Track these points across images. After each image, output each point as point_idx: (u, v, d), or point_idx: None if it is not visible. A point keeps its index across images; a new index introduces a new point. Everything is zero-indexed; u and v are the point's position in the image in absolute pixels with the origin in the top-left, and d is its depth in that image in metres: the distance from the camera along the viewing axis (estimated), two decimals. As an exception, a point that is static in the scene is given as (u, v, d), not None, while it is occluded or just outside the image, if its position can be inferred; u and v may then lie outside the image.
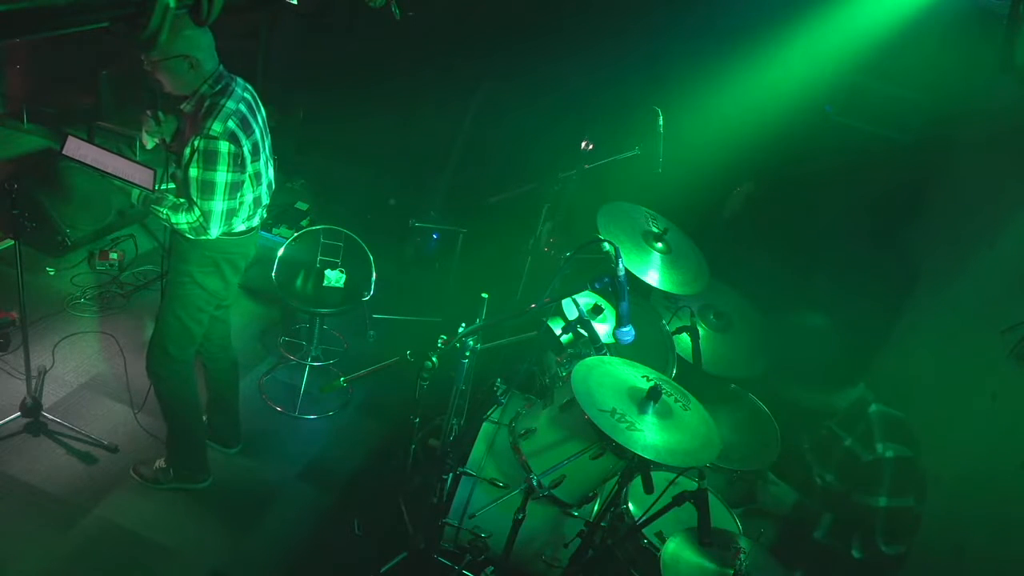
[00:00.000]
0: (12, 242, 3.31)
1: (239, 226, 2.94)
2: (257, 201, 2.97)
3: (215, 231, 2.80)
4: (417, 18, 2.82)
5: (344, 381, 2.53)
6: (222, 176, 2.72)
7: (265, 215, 3.11)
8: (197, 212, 2.74)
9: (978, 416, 2.93)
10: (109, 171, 2.78)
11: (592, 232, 2.96)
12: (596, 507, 2.84)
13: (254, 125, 2.86)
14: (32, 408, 3.35)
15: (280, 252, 3.96)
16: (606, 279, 2.39)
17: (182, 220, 2.76)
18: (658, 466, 2.54)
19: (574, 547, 2.79)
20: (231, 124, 2.70)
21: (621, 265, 2.38)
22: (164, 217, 2.78)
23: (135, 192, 2.82)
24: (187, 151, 2.70)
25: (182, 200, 2.78)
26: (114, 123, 5.36)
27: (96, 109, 5.26)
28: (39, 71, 5.25)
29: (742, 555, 2.33)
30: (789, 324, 2.82)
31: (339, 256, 4.10)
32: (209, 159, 2.68)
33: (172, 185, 2.90)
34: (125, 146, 5.00)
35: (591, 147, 3.56)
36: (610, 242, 2.41)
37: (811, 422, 2.89)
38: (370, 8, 2.71)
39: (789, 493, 2.78)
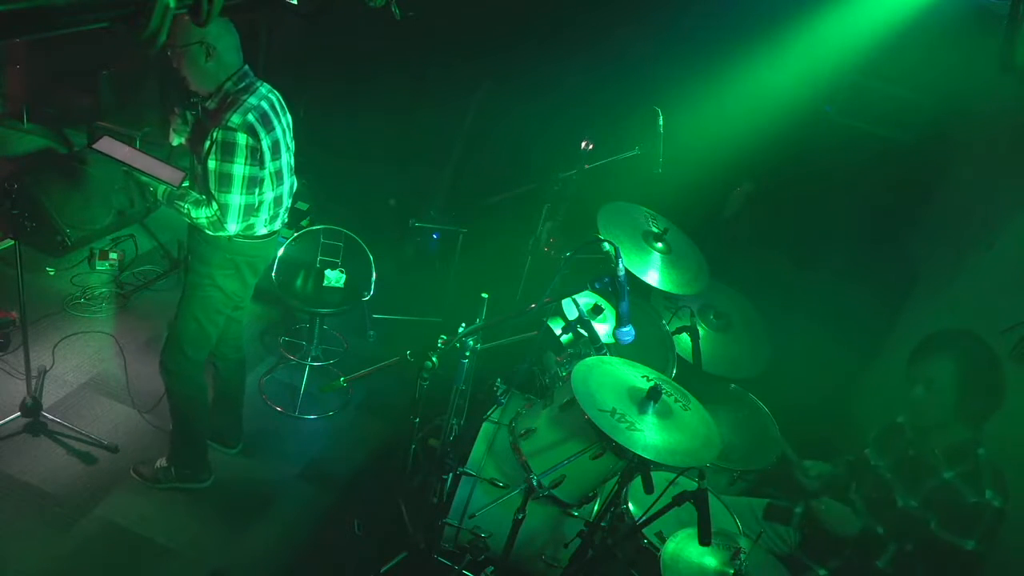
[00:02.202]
0: (12, 242, 3.30)
1: (260, 229, 2.96)
2: (278, 200, 2.99)
3: (232, 226, 2.81)
4: (418, 18, 2.81)
5: (344, 381, 2.53)
6: (239, 168, 2.73)
7: (286, 219, 3.12)
8: (215, 206, 2.76)
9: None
10: (137, 166, 2.84)
11: (592, 232, 2.97)
12: (596, 507, 2.84)
13: (276, 124, 2.87)
14: (32, 408, 3.35)
15: (280, 252, 3.95)
16: (606, 279, 2.39)
17: (201, 215, 2.79)
18: (658, 466, 2.53)
19: (574, 547, 2.79)
20: (250, 117, 2.72)
21: (621, 265, 2.38)
22: (186, 212, 2.81)
23: (160, 188, 2.84)
24: (206, 143, 2.72)
25: (203, 196, 2.81)
26: (114, 123, 5.36)
27: (96, 109, 5.26)
28: (39, 71, 5.25)
29: (742, 555, 2.34)
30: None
31: (339, 256, 4.11)
32: (227, 150, 2.70)
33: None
34: (131, 143, 5.00)
35: (591, 147, 3.56)
36: (610, 242, 2.41)
37: (886, 438, 2.80)
38: (370, 8, 2.70)
39: (854, 517, 2.71)
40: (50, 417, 3.41)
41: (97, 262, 4.49)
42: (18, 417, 3.36)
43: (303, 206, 4.85)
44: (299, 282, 3.93)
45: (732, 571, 2.31)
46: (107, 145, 2.88)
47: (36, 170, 4.49)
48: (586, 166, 3.58)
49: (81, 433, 3.42)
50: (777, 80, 4.08)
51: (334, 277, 3.94)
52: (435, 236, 5.04)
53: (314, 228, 4.21)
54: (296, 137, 3.07)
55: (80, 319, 4.13)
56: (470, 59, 4.83)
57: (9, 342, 3.75)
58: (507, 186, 4.60)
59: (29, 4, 1.39)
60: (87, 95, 5.25)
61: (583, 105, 4.51)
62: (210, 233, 2.86)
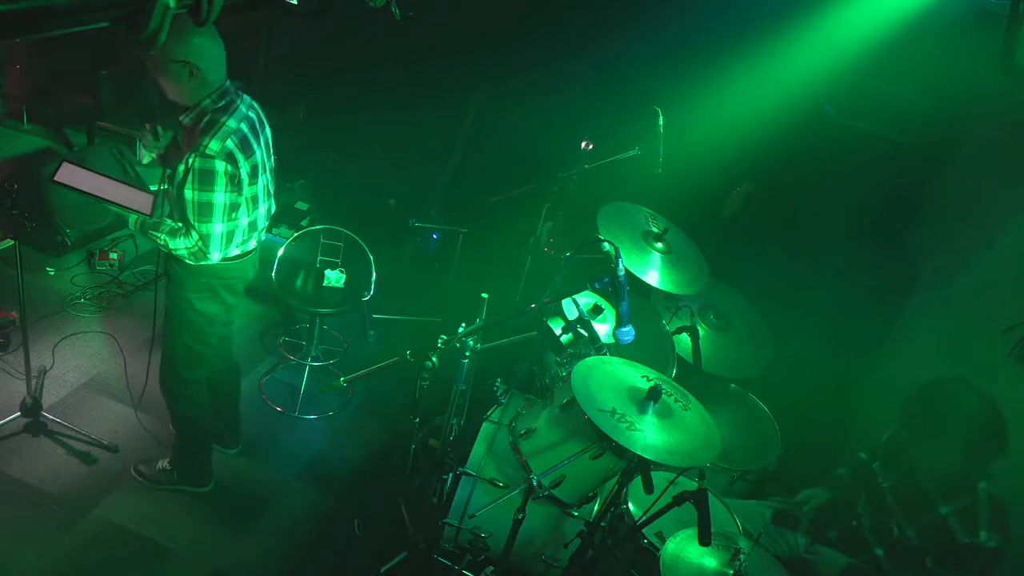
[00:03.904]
0: (12, 242, 3.30)
1: (233, 250, 2.80)
2: (252, 225, 2.84)
3: (215, 255, 2.69)
4: (417, 18, 2.81)
5: (344, 381, 2.53)
6: (220, 197, 2.58)
7: (263, 238, 3.00)
8: (195, 236, 2.62)
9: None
10: (105, 197, 2.65)
11: (592, 232, 2.97)
12: (596, 507, 2.84)
13: (255, 147, 2.72)
14: (32, 408, 3.34)
15: (280, 252, 3.96)
16: (606, 279, 2.38)
17: (180, 245, 2.64)
18: (658, 466, 2.54)
19: (574, 547, 2.80)
20: (229, 144, 2.56)
21: (621, 265, 2.38)
22: (162, 243, 2.66)
23: (132, 218, 2.71)
24: (181, 168, 2.56)
25: (179, 224, 2.65)
26: (114, 123, 5.36)
27: (96, 109, 5.26)
28: (39, 71, 5.25)
29: (742, 555, 2.34)
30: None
31: (339, 256, 4.10)
32: (205, 179, 2.54)
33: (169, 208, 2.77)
34: (125, 146, 5.00)
35: (591, 147, 3.56)
36: (610, 242, 2.41)
37: (895, 455, 2.75)
38: (370, 8, 2.70)
39: (839, 556, 2.71)
40: (50, 417, 3.41)
41: (97, 262, 4.49)
42: (18, 417, 3.36)
43: (303, 206, 4.86)
44: (299, 282, 3.93)
45: (732, 571, 2.32)
46: (69, 175, 2.63)
47: (36, 170, 4.49)
48: (586, 166, 3.58)
49: (81, 433, 3.42)
50: (777, 80, 4.09)
51: (334, 277, 3.94)
52: (435, 236, 5.05)
53: (314, 228, 4.20)
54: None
55: (80, 319, 4.13)
56: (470, 59, 4.84)
57: (9, 342, 3.75)
58: (507, 186, 4.60)
59: (29, 4, 1.40)
60: (87, 95, 5.25)
61: (583, 105, 4.52)
62: (191, 263, 2.73)
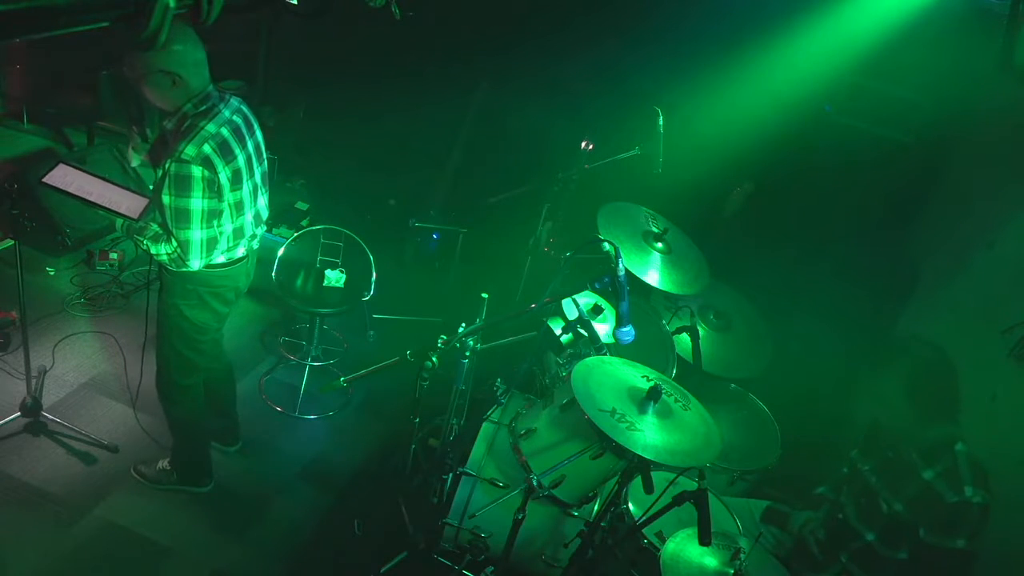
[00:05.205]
0: (12, 242, 3.30)
1: (219, 258, 2.77)
2: (238, 232, 2.79)
3: (195, 263, 2.64)
4: (417, 18, 2.81)
5: (344, 381, 2.53)
6: (197, 203, 2.54)
7: (256, 246, 2.98)
8: (175, 242, 2.60)
9: (978, 417, 2.93)
10: (92, 200, 2.63)
11: (592, 232, 2.97)
12: (596, 507, 2.84)
13: (238, 151, 2.67)
14: (32, 408, 3.35)
15: (280, 252, 3.96)
16: (606, 279, 2.39)
17: (162, 251, 2.62)
18: (658, 466, 2.54)
19: (574, 547, 2.80)
20: (206, 148, 2.51)
21: (621, 265, 2.38)
22: (146, 248, 2.65)
23: (119, 222, 2.69)
24: (159, 173, 2.55)
25: (163, 230, 2.63)
26: (114, 123, 5.36)
27: (96, 109, 5.26)
28: (39, 71, 5.25)
29: (742, 555, 2.34)
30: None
31: (339, 256, 4.10)
32: (181, 184, 2.50)
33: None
34: (125, 146, 5.01)
35: (591, 147, 3.57)
36: (610, 242, 2.41)
37: (869, 440, 2.75)
38: (370, 8, 2.70)
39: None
40: (50, 417, 3.41)
41: (97, 262, 4.49)
42: (18, 417, 3.36)
43: (303, 206, 4.86)
44: (299, 282, 3.93)
45: (732, 571, 2.32)
46: (61, 176, 2.61)
47: (36, 170, 4.49)
48: (586, 166, 3.59)
49: (81, 433, 3.42)
50: (777, 80, 4.09)
51: (334, 277, 3.94)
52: (435, 236, 5.05)
53: (314, 228, 4.20)
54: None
55: (80, 319, 4.13)
56: (470, 59, 4.84)
57: (9, 342, 3.75)
58: (507, 186, 4.61)
59: (29, 4, 1.40)
60: (87, 95, 5.25)
61: (583, 105, 4.52)
62: (173, 269, 2.72)
